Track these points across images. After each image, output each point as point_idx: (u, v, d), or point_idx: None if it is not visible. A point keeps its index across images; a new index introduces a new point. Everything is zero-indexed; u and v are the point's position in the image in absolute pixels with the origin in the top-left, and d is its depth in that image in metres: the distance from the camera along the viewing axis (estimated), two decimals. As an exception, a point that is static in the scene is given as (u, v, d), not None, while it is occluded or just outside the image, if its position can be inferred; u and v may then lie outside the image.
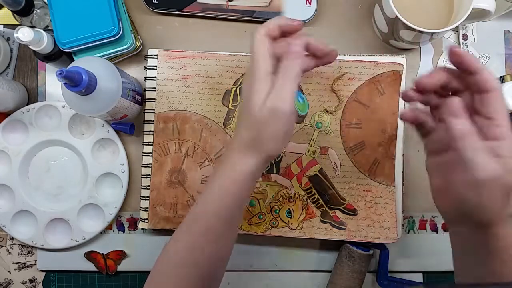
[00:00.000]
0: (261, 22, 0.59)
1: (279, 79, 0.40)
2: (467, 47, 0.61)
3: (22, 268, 0.61)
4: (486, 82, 0.37)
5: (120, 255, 0.60)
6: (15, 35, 0.48)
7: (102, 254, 0.59)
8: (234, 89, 0.58)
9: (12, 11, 0.55)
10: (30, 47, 0.51)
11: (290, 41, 0.42)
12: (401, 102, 0.57)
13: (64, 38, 0.53)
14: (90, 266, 0.60)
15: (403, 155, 0.58)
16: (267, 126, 0.40)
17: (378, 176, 0.57)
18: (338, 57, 0.57)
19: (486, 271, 0.39)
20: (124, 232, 0.61)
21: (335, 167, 0.57)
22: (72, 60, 0.56)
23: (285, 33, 0.42)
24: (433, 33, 0.51)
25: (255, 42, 0.41)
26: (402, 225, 0.59)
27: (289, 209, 0.57)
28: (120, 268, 0.60)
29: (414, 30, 0.51)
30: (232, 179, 0.42)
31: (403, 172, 0.58)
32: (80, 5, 0.53)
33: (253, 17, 0.59)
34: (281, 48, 0.41)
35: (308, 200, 0.57)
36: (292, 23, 0.42)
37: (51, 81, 0.61)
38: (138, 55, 0.60)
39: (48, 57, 0.54)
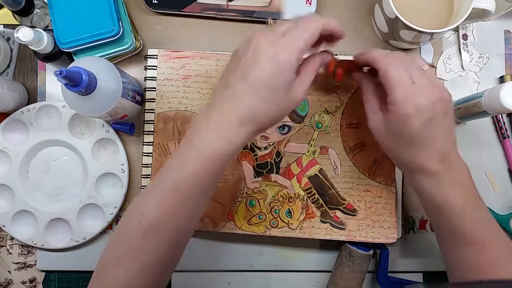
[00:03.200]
0: (261, 22, 0.60)
1: (291, 31, 0.40)
2: (467, 47, 0.61)
3: (22, 268, 0.61)
4: (373, 63, 0.44)
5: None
6: (15, 35, 0.48)
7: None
8: (234, 89, 0.58)
9: (12, 11, 0.55)
10: (30, 47, 0.51)
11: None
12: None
13: (64, 38, 0.53)
14: (90, 266, 0.60)
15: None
16: (264, 75, 0.39)
17: (378, 176, 0.57)
18: (338, 57, 0.57)
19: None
20: (124, 232, 0.61)
21: (335, 167, 0.57)
22: (72, 60, 0.56)
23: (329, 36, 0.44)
24: (433, 33, 0.51)
25: (312, 27, 0.41)
26: (402, 225, 0.59)
27: (289, 209, 0.57)
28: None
29: (414, 30, 0.51)
30: (217, 155, 0.40)
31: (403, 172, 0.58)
32: (80, 5, 0.53)
33: (253, 17, 0.59)
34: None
35: (308, 200, 0.57)
36: (341, 32, 0.44)
37: (51, 81, 0.61)
38: (138, 55, 0.60)
39: (48, 57, 0.54)
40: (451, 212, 0.44)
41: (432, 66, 0.60)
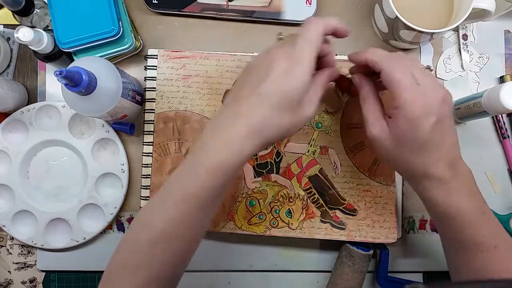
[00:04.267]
0: (261, 22, 0.60)
1: (298, 43, 0.40)
2: (467, 47, 0.61)
3: (22, 268, 0.61)
4: (374, 66, 0.43)
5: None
6: (15, 35, 0.48)
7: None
8: (234, 89, 0.58)
9: (12, 11, 0.55)
10: (30, 47, 0.51)
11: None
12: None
13: (64, 38, 0.53)
14: (90, 266, 0.60)
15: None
16: (280, 85, 0.40)
17: (378, 176, 0.57)
18: (338, 57, 0.57)
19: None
20: (124, 232, 0.61)
21: (335, 167, 0.57)
22: (72, 60, 0.56)
23: (333, 34, 0.44)
24: (433, 33, 0.51)
25: (312, 31, 0.41)
26: (402, 225, 0.59)
27: (289, 209, 0.57)
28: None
29: (414, 30, 0.51)
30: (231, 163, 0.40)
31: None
32: (80, 5, 0.53)
33: (253, 17, 0.59)
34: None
35: (308, 200, 0.57)
36: (345, 29, 0.44)
37: (51, 81, 0.61)
38: (138, 55, 0.60)
39: (48, 57, 0.54)
40: (463, 219, 0.43)
41: (429, 68, 0.60)
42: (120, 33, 0.54)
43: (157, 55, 0.58)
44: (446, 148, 0.42)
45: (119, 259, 0.43)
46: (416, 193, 0.47)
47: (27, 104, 0.60)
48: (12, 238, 0.61)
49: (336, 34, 0.44)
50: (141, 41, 0.60)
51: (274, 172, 0.58)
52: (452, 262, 0.48)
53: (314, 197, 0.57)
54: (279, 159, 0.58)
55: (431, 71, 0.55)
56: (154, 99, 0.58)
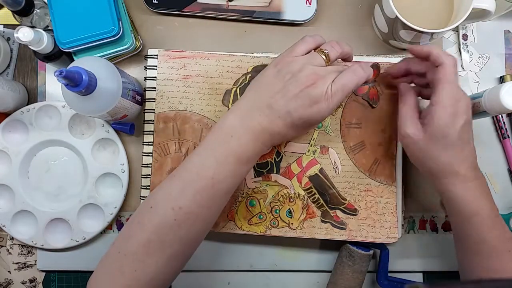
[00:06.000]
0: (261, 22, 0.60)
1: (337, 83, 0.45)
2: (467, 47, 0.62)
3: (22, 268, 0.61)
4: (438, 58, 0.47)
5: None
6: (15, 35, 0.48)
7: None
8: (234, 89, 0.58)
9: (12, 11, 0.54)
10: (30, 47, 0.51)
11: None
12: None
13: (64, 38, 0.53)
14: (90, 266, 0.60)
15: (403, 154, 0.58)
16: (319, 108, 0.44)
17: (378, 176, 0.57)
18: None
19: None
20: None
21: (335, 166, 0.57)
22: (72, 60, 0.56)
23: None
24: (433, 33, 0.51)
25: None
26: (402, 225, 0.59)
27: (289, 209, 0.57)
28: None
29: (414, 30, 0.51)
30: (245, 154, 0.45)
31: (403, 172, 0.58)
32: (80, 5, 0.53)
33: (253, 17, 0.59)
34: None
35: (309, 200, 0.57)
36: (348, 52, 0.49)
37: (51, 81, 0.61)
38: (138, 55, 0.60)
39: (48, 57, 0.54)
40: (481, 219, 0.46)
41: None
42: (120, 33, 0.54)
43: (157, 55, 0.58)
44: (470, 149, 0.47)
45: (135, 241, 0.44)
46: (439, 192, 0.49)
47: (27, 104, 0.60)
48: (12, 238, 0.61)
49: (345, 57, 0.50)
50: (141, 41, 0.60)
51: (275, 172, 0.58)
52: (466, 263, 0.49)
53: (315, 197, 0.57)
54: (279, 158, 0.58)
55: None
56: (154, 99, 0.58)
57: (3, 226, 0.59)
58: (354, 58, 0.57)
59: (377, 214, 0.57)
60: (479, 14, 0.53)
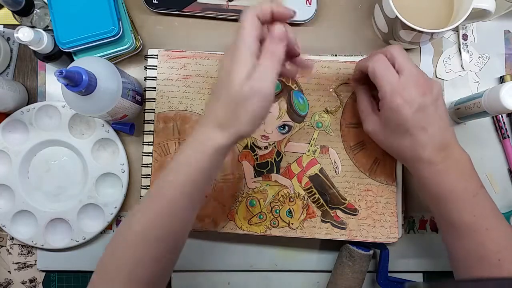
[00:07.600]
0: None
1: (263, 61, 0.40)
2: (467, 47, 0.62)
3: (22, 268, 0.61)
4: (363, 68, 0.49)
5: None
6: (15, 35, 0.48)
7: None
8: (234, 89, 0.58)
9: (12, 11, 0.54)
10: (30, 47, 0.51)
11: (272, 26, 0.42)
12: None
13: (64, 38, 0.53)
14: (90, 266, 0.60)
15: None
16: (245, 106, 0.40)
17: (378, 176, 0.57)
18: (338, 58, 0.57)
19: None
20: (124, 232, 0.60)
21: (335, 166, 0.57)
22: (72, 60, 0.56)
23: (274, 19, 0.42)
24: (433, 33, 0.51)
25: (245, 21, 0.41)
26: (402, 225, 0.59)
27: (289, 209, 0.57)
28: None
29: (414, 30, 0.51)
30: (201, 154, 0.42)
31: (403, 172, 0.58)
32: (80, 5, 0.53)
33: (253, 17, 0.59)
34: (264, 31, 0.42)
35: (309, 200, 0.57)
36: (285, 11, 0.42)
37: (51, 81, 0.61)
38: (138, 55, 0.60)
39: (48, 57, 0.54)
40: (452, 200, 0.46)
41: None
42: (120, 33, 0.54)
43: (157, 55, 0.58)
44: (433, 132, 0.46)
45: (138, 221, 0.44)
46: (414, 178, 0.51)
47: (27, 104, 0.60)
48: (12, 238, 0.61)
49: (280, 18, 0.42)
50: (141, 41, 0.60)
51: (275, 171, 0.58)
52: (448, 246, 0.49)
53: (315, 197, 0.57)
54: (279, 158, 0.58)
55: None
56: (154, 99, 0.58)
57: (3, 226, 0.59)
58: (354, 58, 0.57)
59: (377, 214, 0.57)
60: (479, 14, 0.53)
